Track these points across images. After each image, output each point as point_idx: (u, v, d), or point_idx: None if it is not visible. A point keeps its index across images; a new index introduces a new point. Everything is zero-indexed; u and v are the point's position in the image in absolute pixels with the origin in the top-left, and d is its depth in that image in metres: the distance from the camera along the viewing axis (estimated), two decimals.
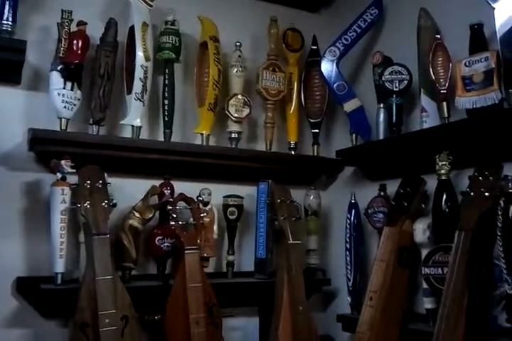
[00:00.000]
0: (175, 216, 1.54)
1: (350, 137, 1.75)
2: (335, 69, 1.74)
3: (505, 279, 1.19)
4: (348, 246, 1.69)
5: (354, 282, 1.66)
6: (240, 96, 1.75)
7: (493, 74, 1.26)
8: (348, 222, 1.70)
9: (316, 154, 1.90)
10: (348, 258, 1.68)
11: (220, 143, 1.80)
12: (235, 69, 1.76)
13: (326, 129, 2.01)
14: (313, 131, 1.90)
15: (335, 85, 1.73)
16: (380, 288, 1.38)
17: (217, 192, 1.71)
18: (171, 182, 1.63)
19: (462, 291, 1.19)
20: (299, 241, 1.64)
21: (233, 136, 1.75)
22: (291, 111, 1.87)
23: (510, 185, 1.22)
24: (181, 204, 1.59)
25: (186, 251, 1.50)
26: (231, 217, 1.73)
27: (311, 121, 1.89)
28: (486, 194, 1.23)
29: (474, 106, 1.28)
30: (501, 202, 1.21)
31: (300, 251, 1.66)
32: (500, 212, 1.20)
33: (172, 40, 1.67)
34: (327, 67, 1.74)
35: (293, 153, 1.86)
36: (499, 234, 1.20)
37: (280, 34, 1.88)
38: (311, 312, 1.62)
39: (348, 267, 1.68)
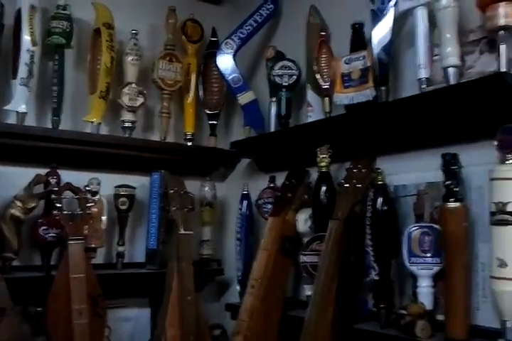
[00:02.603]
0: (59, 205, 1.50)
1: (244, 129, 1.78)
2: (231, 61, 1.75)
3: (372, 266, 1.26)
4: (239, 236, 1.72)
5: (243, 271, 1.69)
6: (134, 85, 1.72)
7: (368, 72, 1.32)
8: (240, 212, 1.73)
9: (213, 145, 1.91)
10: (239, 248, 1.71)
11: (114, 132, 1.77)
12: (130, 58, 1.73)
13: (224, 121, 2.03)
14: (210, 122, 1.91)
15: (230, 77, 1.74)
16: (261, 276, 1.42)
17: (109, 182, 1.69)
18: (59, 171, 1.59)
19: (332, 278, 1.24)
20: (190, 232, 1.64)
21: (126, 125, 1.72)
22: (189, 102, 1.87)
23: (380, 177, 1.29)
24: (70, 194, 1.55)
25: (70, 242, 1.47)
26: (122, 207, 1.71)
27: (209, 112, 1.90)
28: (358, 185, 1.30)
29: (351, 102, 1.34)
30: (371, 193, 1.28)
31: (191, 242, 1.66)
32: (369, 203, 1.27)
33: (63, 25, 1.62)
34: (223, 59, 1.76)
35: (189, 143, 1.87)
36: (368, 223, 1.27)
37: (180, 24, 1.88)
38: (202, 301, 1.64)
39: (238, 257, 1.71)
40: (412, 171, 1.31)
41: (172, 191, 1.67)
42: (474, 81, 1.07)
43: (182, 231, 1.62)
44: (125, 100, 1.71)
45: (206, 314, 1.67)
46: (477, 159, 1.15)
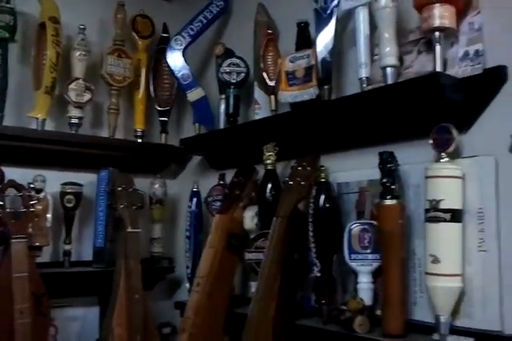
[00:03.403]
0: (2, 203, 1.46)
1: (194, 126, 1.77)
2: (180, 58, 1.74)
3: (314, 263, 1.28)
4: (188, 234, 1.71)
5: (192, 269, 1.69)
6: (81, 81, 1.69)
7: (312, 71, 1.33)
8: (189, 210, 1.72)
9: (163, 142, 1.89)
10: (188, 246, 1.71)
11: (61, 128, 1.74)
12: (77, 53, 1.70)
13: (176, 118, 2.02)
14: (161, 119, 1.90)
15: (180, 74, 1.73)
16: (207, 274, 1.42)
17: (55, 180, 1.66)
18: (2, 168, 1.55)
19: (275, 275, 1.25)
20: (138, 230, 1.62)
21: (73, 121, 1.69)
22: (139, 98, 1.86)
23: (322, 174, 1.30)
24: (14, 191, 1.52)
25: (13, 240, 1.44)
26: (68, 205, 1.68)
27: (159, 109, 1.89)
28: (302, 183, 1.31)
29: (295, 101, 1.35)
30: (313, 191, 1.29)
31: (139, 240, 1.65)
32: (312, 200, 1.28)
33: (6, 18, 1.58)
34: (173, 55, 1.74)
35: (139, 140, 1.85)
36: (310, 220, 1.28)
37: (130, 19, 1.86)
38: (151, 300, 1.63)
39: (187, 254, 1.70)
40: (354, 169, 1.33)
41: (120, 188, 1.65)
42: (409, 81, 1.09)
43: (129, 229, 1.60)
44: (72, 96, 1.68)
45: (156, 312, 1.65)
46: (415, 157, 1.18)
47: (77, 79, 1.70)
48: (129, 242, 1.59)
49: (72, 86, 1.68)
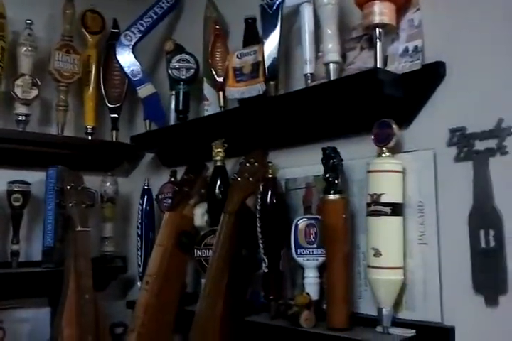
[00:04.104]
0: None
1: (144, 123, 1.75)
2: (130, 54, 1.72)
3: (262, 259, 1.28)
4: (139, 232, 1.69)
5: (144, 267, 1.66)
6: (27, 77, 1.66)
7: (259, 67, 1.33)
8: (140, 208, 1.70)
9: (114, 140, 1.87)
10: (139, 244, 1.69)
11: (8, 125, 1.69)
12: (24, 48, 1.66)
13: (128, 115, 2.00)
14: (112, 116, 1.87)
15: (129, 70, 1.71)
16: (156, 272, 1.40)
17: (2, 178, 1.63)
18: None
19: (222, 272, 1.25)
20: (88, 229, 1.59)
21: (20, 118, 1.66)
22: (89, 95, 1.83)
23: (270, 170, 1.30)
24: None
25: None
26: (16, 204, 1.64)
27: (110, 106, 1.86)
28: (250, 179, 1.31)
29: (242, 97, 1.35)
30: (261, 187, 1.29)
31: (89, 239, 1.62)
32: (259, 196, 1.29)
33: None
34: (122, 51, 1.72)
35: (89, 138, 1.82)
36: (258, 216, 1.28)
37: (79, 15, 1.83)
38: (101, 300, 1.60)
39: (139, 253, 1.69)
40: (302, 165, 1.34)
41: (69, 187, 1.62)
42: (349, 77, 1.10)
43: (79, 228, 1.57)
44: (18, 92, 1.64)
45: (109, 312, 1.64)
46: (359, 153, 1.19)
47: (24, 75, 1.66)
48: (79, 241, 1.57)
49: (18, 82, 1.64)
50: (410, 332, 1.07)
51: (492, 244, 1.01)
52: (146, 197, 1.70)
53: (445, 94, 1.09)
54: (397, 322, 1.09)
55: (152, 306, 1.38)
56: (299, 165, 1.35)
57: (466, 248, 1.04)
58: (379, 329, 1.08)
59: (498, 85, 1.02)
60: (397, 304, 1.11)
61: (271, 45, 1.31)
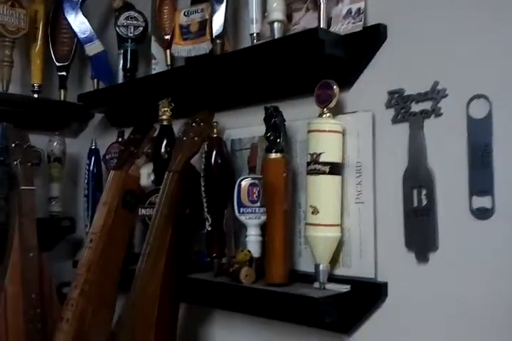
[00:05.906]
0: None
1: (92, 82, 1.72)
2: (78, 10, 1.67)
3: (206, 218, 1.29)
4: (86, 192, 1.69)
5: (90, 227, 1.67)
6: None
7: (206, 25, 1.32)
8: (88, 168, 1.69)
9: (62, 99, 1.83)
10: (86, 205, 1.68)
11: None
12: None
13: (78, 74, 1.95)
14: (59, 74, 1.82)
15: (77, 27, 1.66)
16: (100, 230, 1.40)
17: None
18: None
19: (164, 229, 1.26)
20: (32, 187, 1.58)
21: None
22: (36, 52, 1.77)
23: (215, 130, 1.31)
24: None
25: None
26: None
27: (58, 64, 1.81)
28: (195, 138, 1.31)
29: (189, 55, 1.34)
30: (205, 146, 1.29)
31: (34, 197, 1.60)
32: (204, 155, 1.29)
33: None
34: (70, 8, 1.67)
35: (36, 96, 1.77)
36: (202, 175, 1.29)
37: None
38: (46, 259, 1.60)
39: (86, 213, 1.68)
40: (248, 125, 1.34)
41: (14, 144, 1.59)
42: (290, 36, 1.10)
43: (23, 187, 1.56)
44: None
45: (57, 272, 1.64)
46: (302, 114, 1.20)
47: None
48: (23, 200, 1.55)
49: None
50: (345, 288, 1.10)
51: (424, 202, 1.05)
52: (93, 157, 1.69)
53: (386, 56, 1.10)
54: (333, 278, 1.13)
55: (96, 264, 1.38)
56: (244, 126, 1.35)
57: (400, 207, 1.07)
58: (316, 284, 1.12)
59: (436, 49, 1.04)
60: (334, 261, 1.14)
61: (219, 3, 1.29)
